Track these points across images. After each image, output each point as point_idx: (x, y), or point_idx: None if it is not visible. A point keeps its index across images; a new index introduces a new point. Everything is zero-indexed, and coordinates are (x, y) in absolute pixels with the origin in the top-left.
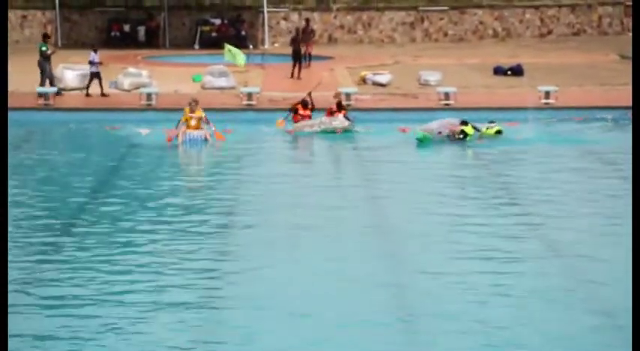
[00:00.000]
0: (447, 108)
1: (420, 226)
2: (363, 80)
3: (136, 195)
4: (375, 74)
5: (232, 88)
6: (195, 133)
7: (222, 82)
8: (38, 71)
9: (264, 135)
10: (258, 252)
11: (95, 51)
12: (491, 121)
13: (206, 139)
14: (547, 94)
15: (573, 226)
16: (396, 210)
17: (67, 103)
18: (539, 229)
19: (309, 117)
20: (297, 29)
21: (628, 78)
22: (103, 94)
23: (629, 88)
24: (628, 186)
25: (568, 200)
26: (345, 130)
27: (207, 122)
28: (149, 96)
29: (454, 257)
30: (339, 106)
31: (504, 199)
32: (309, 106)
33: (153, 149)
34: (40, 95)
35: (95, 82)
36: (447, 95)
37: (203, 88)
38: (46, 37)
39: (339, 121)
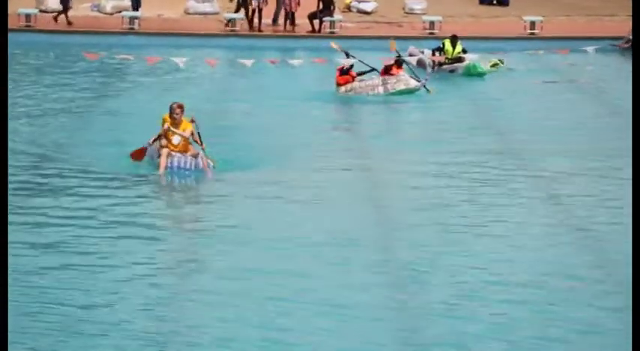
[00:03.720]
0: (432, 37)
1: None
2: (348, 8)
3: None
4: (360, 2)
5: (216, 13)
6: (186, 158)
7: (206, 7)
8: None
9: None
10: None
11: None
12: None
13: (197, 167)
14: (532, 24)
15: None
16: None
17: (48, 25)
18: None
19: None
20: None
21: (614, 9)
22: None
23: (616, 18)
24: (611, 117)
25: (555, 132)
26: (410, 91)
27: (199, 142)
28: (131, 20)
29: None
30: (398, 63)
31: (484, 131)
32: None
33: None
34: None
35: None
36: (432, 24)
37: (187, 13)
38: None
39: (404, 81)
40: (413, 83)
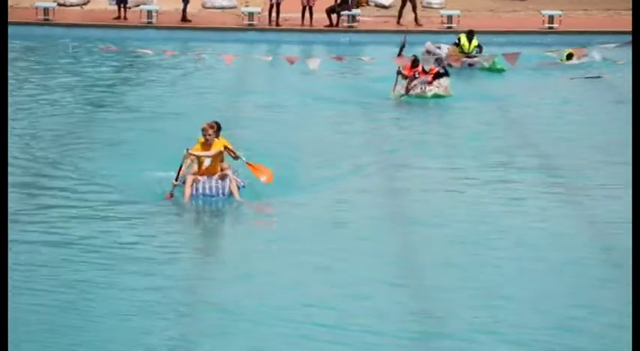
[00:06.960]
0: (450, 31)
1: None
2: (366, 2)
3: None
4: None
5: (233, 7)
6: (211, 182)
7: (223, 1)
8: None
9: None
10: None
11: None
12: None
13: (224, 190)
14: (551, 19)
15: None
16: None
17: (66, 18)
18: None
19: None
20: None
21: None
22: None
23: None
24: (625, 111)
25: (568, 127)
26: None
27: (235, 156)
28: (149, 13)
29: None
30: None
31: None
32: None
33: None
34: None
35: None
36: (449, 18)
37: (204, 7)
38: None
39: (420, 87)
40: (428, 89)
